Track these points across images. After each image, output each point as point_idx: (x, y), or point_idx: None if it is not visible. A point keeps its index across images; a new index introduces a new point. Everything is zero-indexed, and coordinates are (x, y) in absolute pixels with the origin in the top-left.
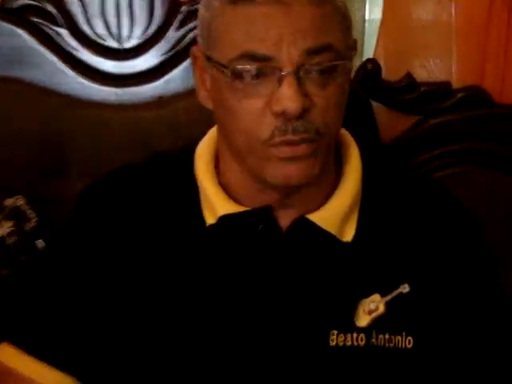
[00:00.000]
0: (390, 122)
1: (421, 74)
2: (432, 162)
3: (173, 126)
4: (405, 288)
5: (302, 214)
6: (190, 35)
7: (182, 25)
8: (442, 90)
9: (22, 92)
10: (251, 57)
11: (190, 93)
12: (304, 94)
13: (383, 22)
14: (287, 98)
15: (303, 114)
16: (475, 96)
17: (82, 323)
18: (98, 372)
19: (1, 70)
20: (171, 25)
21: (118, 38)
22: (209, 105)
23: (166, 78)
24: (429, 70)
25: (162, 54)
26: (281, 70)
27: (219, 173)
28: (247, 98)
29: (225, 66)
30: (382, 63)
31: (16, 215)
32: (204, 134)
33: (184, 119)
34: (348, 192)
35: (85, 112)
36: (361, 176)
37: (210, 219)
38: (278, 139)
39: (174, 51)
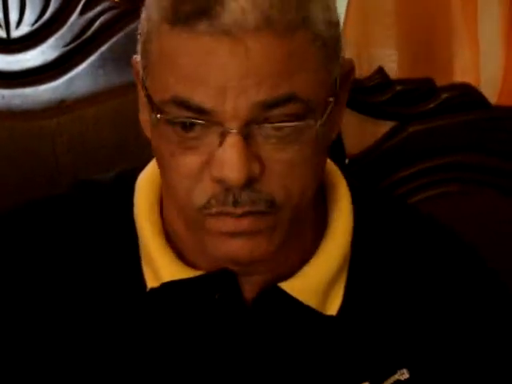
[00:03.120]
0: (357, 130)
1: (394, 69)
2: (411, 181)
3: (78, 138)
4: (403, 374)
5: (272, 279)
6: (100, 21)
7: (88, 7)
8: (423, 89)
9: None
10: (183, 104)
11: (99, 96)
12: (253, 158)
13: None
14: (228, 164)
15: (249, 183)
16: (466, 96)
17: None
18: None
19: None
20: (74, 8)
21: (5, 25)
22: (147, 133)
23: (69, 76)
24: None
25: (63, 46)
26: (222, 125)
27: (166, 219)
28: (182, 153)
29: (155, 107)
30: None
31: None
32: (120, 148)
33: (93, 130)
34: (334, 252)
35: None
36: (351, 231)
37: (152, 281)
38: (214, 210)
39: (78, 42)
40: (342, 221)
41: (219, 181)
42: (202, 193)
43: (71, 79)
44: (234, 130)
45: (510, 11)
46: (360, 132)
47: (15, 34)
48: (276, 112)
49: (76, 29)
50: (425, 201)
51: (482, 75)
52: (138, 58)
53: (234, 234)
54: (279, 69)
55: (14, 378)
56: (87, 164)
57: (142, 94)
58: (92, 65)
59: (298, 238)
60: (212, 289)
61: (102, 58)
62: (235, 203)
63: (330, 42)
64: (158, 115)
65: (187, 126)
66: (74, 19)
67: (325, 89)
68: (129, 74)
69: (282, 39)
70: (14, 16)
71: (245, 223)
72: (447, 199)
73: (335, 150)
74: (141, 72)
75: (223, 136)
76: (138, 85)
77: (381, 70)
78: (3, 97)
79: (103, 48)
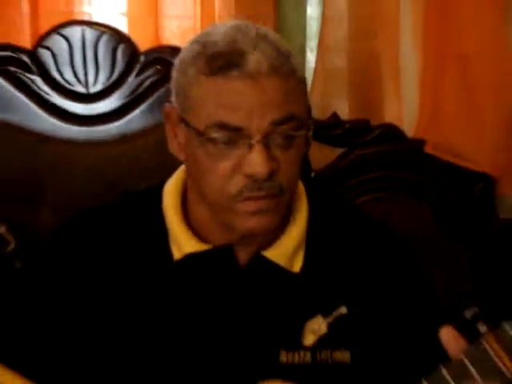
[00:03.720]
0: (319, 154)
1: (345, 112)
2: (356, 189)
3: (134, 160)
4: (343, 310)
5: (257, 249)
6: (148, 81)
7: (140, 72)
8: (362, 126)
9: (1, 132)
10: (224, 126)
11: (148, 131)
12: (271, 159)
13: (316, 68)
14: (257, 163)
15: (271, 176)
16: (391, 132)
17: (58, 344)
18: None
19: None
20: (131, 72)
21: (85, 84)
22: (180, 156)
23: (128, 118)
24: (350, 108)
25: (124, 97)
26: (250, 138)
27: (187, 211)
28: (219, 160)
29: (200, 132)
30: (312, 104)
31: None
32: (161, 167)
33: (143, 154)
34: (296, 230)
35: (56, 149)
36: (307, 216)
37: (177, 254)
38: (245, 195)
39: (134, 95)
40: (301, 211)
41: (249, 176)
42: (236, 185)
43: (129, 120)
44: (259, 139)
45: (424, 70)
46: (321, 155)
47: (92, 90)
48: (283, 127)
49: (133, 86)
50: (366, 202)
51: (404, 116)
52: (169, 105)
53: (254, 213)
54: (283, 99)
55: (73, 333)
56: (138, 178)
57: (170, 130)
58: (143, 110)
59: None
60: (218, 257)
61: (150, 106)
62: (259, 189)
63: (304, 82)
64: (205, 136)
65: (225, 142)
66: (131, 80)
67: (306, 114)
68: (155, 121)
69: (284, 80)
70: (91, 78)
71: (263, 203)
72: (380, 202)
73: (304, 168)
74: (178, 113)
75: (251, 145)
76: (166, 124)
77: (335, 114)
78: (84, 132)
79: (151, 99)
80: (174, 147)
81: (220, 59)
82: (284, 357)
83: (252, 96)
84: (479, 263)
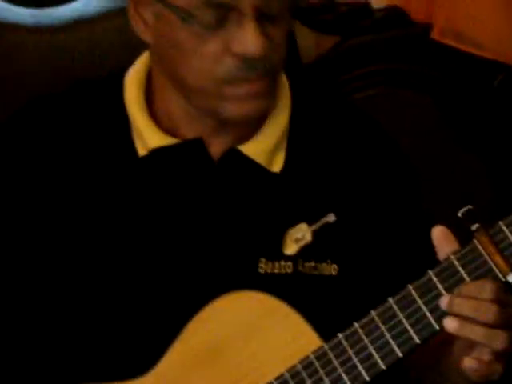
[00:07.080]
0: (308, 42)
1: None
2: (352, 83)
3: (92, 48)
4: (331, 217)
5: (233, 143)
6: None
7: None
8: (360, 10)
9: None
10: (211, 4)
11: (111, 14)
12: (264, 36)
13: None
14: (250, 41)
15: (265, 54)
16: (394, 16)
17: (8, 247)
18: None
19: None
20: None
21: None
22: (147, 39)
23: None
24: None
25: None
26: (242, 15)
27: (151, 101)
28: (205, 41)
29: (183, 11)
30: None
31: None
32: (124, 57)
33: (103, 41)
34: (278, 123)
35: (3, 34)
36: (289, 111)
37: (142, 150)
38: (237, 77)
39: None
40: (282, 103)
41: (241, 56)
42: (224, 68)
43: (87, 1)
44: (251, 15)
45: None
46: (312, 43)
47: None
48: (273, 2)
49: None
50: (359, 100)
51: None
52: None
53: (247, 97)
54: None
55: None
56: (97, 68)
57: (132, 8)
58: None
59: None
60: (188, 152)
61: None
62: (252, 69)
63: None
64: (192, 14)
65: (213, 20)
66: None
67: (290, 4)
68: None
69: None
70: None
71: (256, 86)
72: (380, 98)
73: (292, 56)
74: None
75: (242, 23)
76: (129, 2)
77: None
78: (33, 15)
79: None
80: (141, 30)
81: None
82: (263, 266)
83: None
84: (496, 173)
